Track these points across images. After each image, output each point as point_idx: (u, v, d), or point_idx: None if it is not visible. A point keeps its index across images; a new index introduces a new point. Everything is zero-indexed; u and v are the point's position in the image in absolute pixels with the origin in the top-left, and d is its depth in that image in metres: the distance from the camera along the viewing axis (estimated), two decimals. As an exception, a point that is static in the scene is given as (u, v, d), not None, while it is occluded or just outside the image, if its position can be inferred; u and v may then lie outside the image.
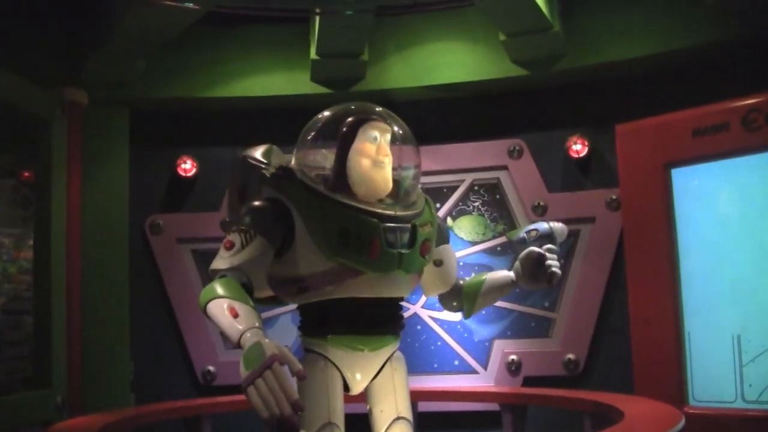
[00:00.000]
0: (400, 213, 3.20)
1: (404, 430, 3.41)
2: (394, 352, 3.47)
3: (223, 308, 2.84)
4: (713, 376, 6.04)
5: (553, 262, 3.42)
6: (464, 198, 7.32)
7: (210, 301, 2.89)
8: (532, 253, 3.45)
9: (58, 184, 6.73)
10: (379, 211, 3.15)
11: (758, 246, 5.87)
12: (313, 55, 6.94)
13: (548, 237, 3.50)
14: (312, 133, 3.32)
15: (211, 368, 7.33)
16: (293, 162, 3.26)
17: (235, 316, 2.80)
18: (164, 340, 7.46)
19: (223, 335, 3.04)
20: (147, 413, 5.87)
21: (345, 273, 3.15)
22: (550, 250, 3.45)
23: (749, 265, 5.92)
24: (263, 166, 3.36)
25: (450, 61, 7.10)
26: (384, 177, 3.23)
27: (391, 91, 7.11)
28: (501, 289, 3.65)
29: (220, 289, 2.91)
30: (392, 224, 3.15)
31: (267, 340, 2.65)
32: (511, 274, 3.59)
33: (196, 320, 7.34)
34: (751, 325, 5.88)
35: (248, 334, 2.73)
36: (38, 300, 6.59)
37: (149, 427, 5.93)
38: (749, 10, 6.06)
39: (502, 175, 7.22)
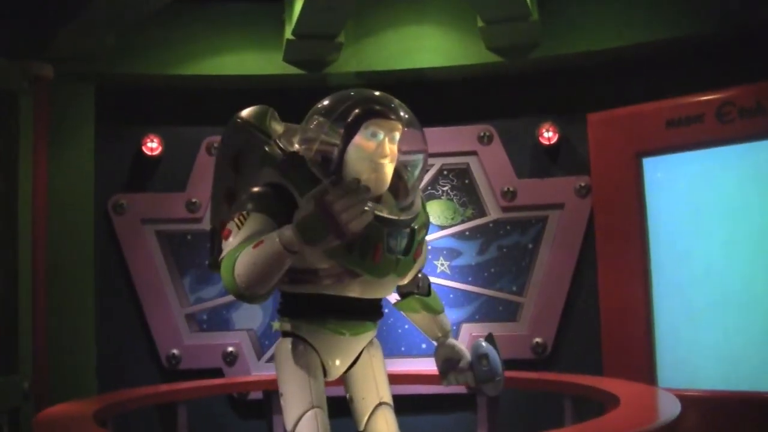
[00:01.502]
0: (403, 217, 3.19)
1: (387, 415, 3.48)
2: (371, 338, 3.53)
3: (249, 253, 2.89)
4: (682, 360, 6.53)
5: (453, 379, 3.61)
6: (433, 182, 7.61)
7: (234, 267, 2.92)
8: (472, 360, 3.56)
9: (25, 160, 6.75)
10: (386, 215, 3.12)
11: (728, 235, 6.37)
12: (288, 35, 7.05)
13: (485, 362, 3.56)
14: (321, 116, 3.24)
15: (175, 351, 7.45)
16: (300, 146, 3.21)
17: (261, 243, 2.89)
18: (127, 322, 7.54)
19: (274, 266, 2.93)
20: (130, 399, 5.89)
21: (342, 273, 3.17)
22: (463, 373, 3.58)
23: (719, 254, 6.41)
24: (266, 139, 3.34)
25: (425, 45, 7.35)
26: (379, 177, 3.17)
27: (364, 73, 7.33)
28: (431, 330, 3.74)
29: (232, 256, 2.95)
30: (395, 229, 3.17)
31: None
32: (447, 336, 3.71)
33: (161, 302, 7.49)
34: (720, 312, 6.38)
35: (282, 230, 2.85)
36: (3, 281, 6.57)
37: (123, 413, 5.96)
38: (725, 5, 6.50)
39: (471, 161, 7.53)
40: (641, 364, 6.55)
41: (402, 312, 3.72)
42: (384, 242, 3.13)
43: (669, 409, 4.33)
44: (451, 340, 3.72)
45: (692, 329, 6.51)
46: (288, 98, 6.29)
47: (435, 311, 3.71)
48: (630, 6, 6.96)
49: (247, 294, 2.95)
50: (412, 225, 3.25)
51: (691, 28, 6.75)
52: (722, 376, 6.30)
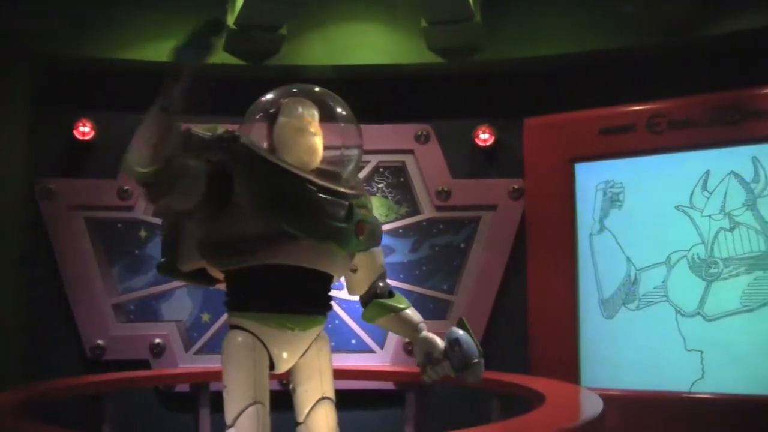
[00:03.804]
0: (338, 188, 3.45)
1: (329, 410, 3.67)
2: (321, 331, 3.71)
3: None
4: (605, 361, 7.20)
5: (432, 372, 3.65)
6: (369, 179, 8.05)
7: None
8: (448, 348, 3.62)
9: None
10: (317, 180, 3.40)
11: (657, 241, 7.08)
12: (230, 24, 7.32)
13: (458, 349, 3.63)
14: (251, 113, 3.64)
15: (100, 342, 7.72)
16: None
17: None
18: (52, 311, 7.76)
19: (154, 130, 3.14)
20: (51, 390, 6.03)
21: (280, 237, 3.35)
22: (440, 364, 3.64)
23: (648, 259, 7.13)
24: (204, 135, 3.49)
25: (367, 42, 7.79)
26: (309, 143, 3.50)
27: (305, 67, 7.68)
28: (407, 330, 3.81)
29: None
30: (329, 196, 3.40)
31: None
32: (420, 331, 3.75)
33: (87, 291, 7.76)
34: (645, 315, 7.11)
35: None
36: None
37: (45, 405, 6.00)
38: (660, 19, 7.15)
39: (408, 159, 8.04)
40: (566, 363, 7.15)
41: (372, 322, 3.90)
42: (319, 205, 3.38)
43: (592, 407, 4.60)
44: (425, 334, 3.75)
45: (615, 331, 7.20)
46: (228, 89, 6.78)
47: (399, 309, 3.82)
48: (571, 15, 7.53)
49: (139, 171, 3.15)
50: (350, 200, 3.48)
51: (627, 41, 7.37)
52: (643, 377, 6.98)
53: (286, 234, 3.37)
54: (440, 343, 3.69)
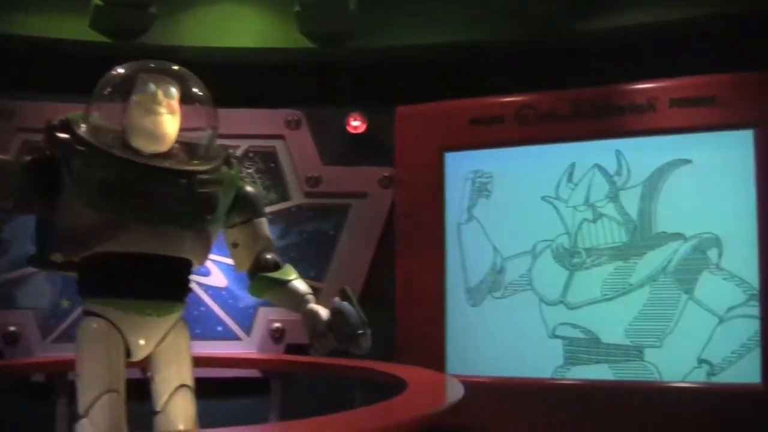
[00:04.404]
0: (174, 167, 3.30)
1: (187, 398, 3.52)
2: (179, 318, 3.56)
3: None
4: (472, 349, 7.34)
5: (318, 346, 3.49)
6: (239, 164, 8.03)
7: None
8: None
9: None
10: (147, 162, 3.25)
11: (523, 231, 7.25)
12: (96, 0, 7.18)
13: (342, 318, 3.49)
14: (100, 88, 3.41)
15: None
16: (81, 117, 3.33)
17: None
18: None
19: None
20: None
21: (118, 226, 3.24)
22: (325, 337, 3.47)
23: (514, 248, 7.29)
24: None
25: (240, 25, 7.75)
26: (158, 126, 3.33)
27: (175, 48, 7.59)
28: (294, 302, 3.65)
29: None
30: (162, 177, 3.26)
31: None
32: (306, 303, 3.60)
33: None
34: (510, 303, 7.28)
35: None
36: None
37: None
38: (532, 15, 7.33)
39: (278, 144, 8.05)
40: (433, 351, 7.27)
41: (260, 297, 3.76)
42: (146, 188, 3.23)
43: (453, 393, 4.72)
44: (311, 306, 3.58)
45: (481, 319, 7.35)
46: (92, 68, 6.61)
47: (284, 281, 3.67)
48: (445, 7, 7.62)
49: None
50: (194, 178, 3.32)
51: (499, 34, 7.53)
52: (507, 364, 7.16)
53: (118, 221, 3.24)
54: (324, 315, 3.52)
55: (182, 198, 3.30)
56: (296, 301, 3.60)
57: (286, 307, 3.70)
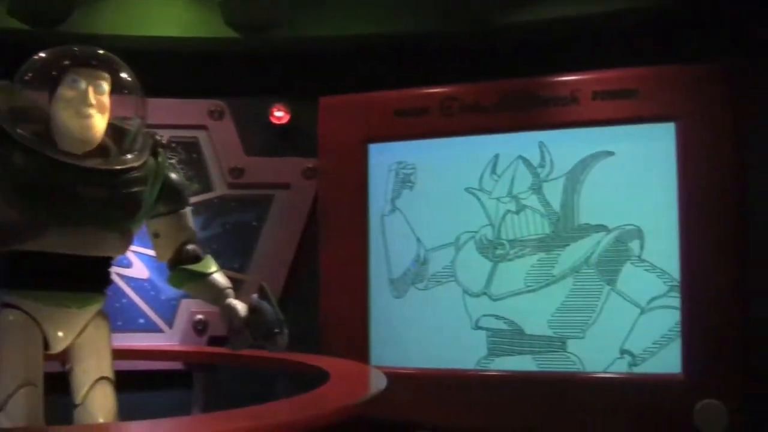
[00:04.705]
0: (100, 167, 3.29)
1: (107, 390, 3.59)
2: (99, 309, 3.62)
3: None
4: (395, 340, 7.35)
5: (236, 342, 3.64)
6: (160, 155, 7.93)
7: None
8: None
9: None
10: (71, 162, 3.23)
11: (447, 222, 7.26)
12: None
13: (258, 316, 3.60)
14: (24, 72, 3.40)
15: None
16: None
17: None
18: None
19: None
20: None
21: (33, 225, 3.24)
22: (242, 334, 3.62)
23: (437, 240, 7.29)
24: None
25: (163, 14, 7.63)
26: (87, 128, 3.30)
27: (97, 36, 7.39)
28: (213, 296, 3.78)
29: None
30: (86, 177, 3.25)
31: None
32: (225, 297, 3.73)
33: None
34: (433, 294, 7.30)
35: None
36: None
37: None
38: (457, 6, 7.33)
39: (201, 135, 7.97)
40: (357, 343, 7.27)
41: (179, 288, 3.86)
42: (69, 189, 3.23)
43: (376, 384, 4.65)
44: (230, 301, 3.73)
45: (405, 310, 7.36)
46: (9, 56, 6.45)
47: (204, 274, 3.76)
48: (367, -4, 7.59)
49: None
50: (118, 178, 3.33)
51: (423, 25, 7.52)
52: (431, 355, 7.19)
53: (40, 221, 3.25)
54: (242, 310, 3.65)
55: (107, 200, 3.31)
56: (215, 294, 3.72)
57: (205, 299, 3.82)
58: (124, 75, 3.49)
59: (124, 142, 3.46)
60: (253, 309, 3.62)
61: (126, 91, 3.49)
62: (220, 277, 3.80)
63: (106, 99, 3.37)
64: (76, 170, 3.23)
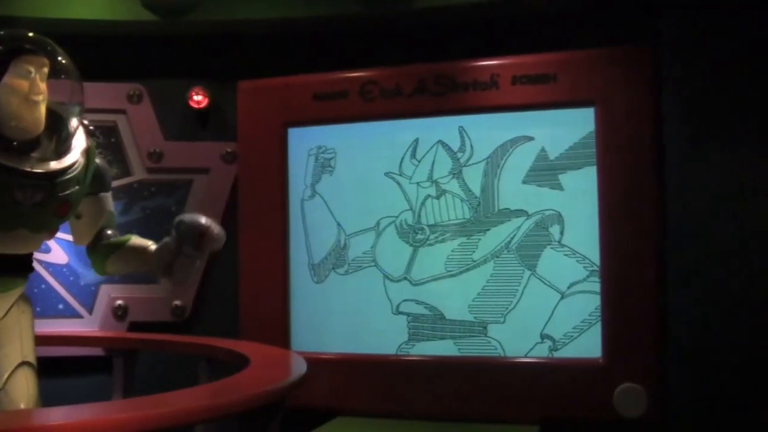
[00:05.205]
0: (37, 170, 3.25)
1: (29, 375, 3.58)
2: (22, 293, 3.62)
3: None
4: (316, 325, 7.35)
5: (177, 268, 3.66)
6: (78, 139, 7.81)
7: None
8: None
9: None
10: (11, 165, 3.19)
11: (367, 207, 7.27)
12: None
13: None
14: None
15: None
16: None
17: None
18: None
19: None
20: None
21: None
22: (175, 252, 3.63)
23: (358, 224, 7.30)
24: None
25: None
26: (35, 117, 3.26)
27: (12, 18, 7.30)
28: (139, 255, 3.80)
29: None
30: (23, 183, 3.22)
31: None
32: (151, 248, 3.77)
33: None
34: (354, 279, 7.29)
35: None
36: None
37: None
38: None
39: (119, 119, 7.86)
40: (277, 328, 7.27)
41: (106, 272, 3.86)
42: (6, 194, 3.20)
43: (296, 369, 4.68)
44: (157, 245, 3.75)
45: (325, 296, 7.36)
46: None
47: (122, 242, 3.79)
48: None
49: None
50: (54, 180, 3.30)
51: (343, 8, 7.40)
52: (352, 340, 7.21)
53: None
54: (169, 239, 3.65)
55: (42, 204, 3.29)
56: (140, 251, 3.75)
57: (136, 267, 3.83)
58: (62, 60, 3.47)
59: (59, 130, 3.42)
60: (178, 223, 3.62)
61: (63, 76, 3.48)
62: (139, 239, 3.84)
63: (44, 86, 3.33)
64: (15, 174, 3.18)
